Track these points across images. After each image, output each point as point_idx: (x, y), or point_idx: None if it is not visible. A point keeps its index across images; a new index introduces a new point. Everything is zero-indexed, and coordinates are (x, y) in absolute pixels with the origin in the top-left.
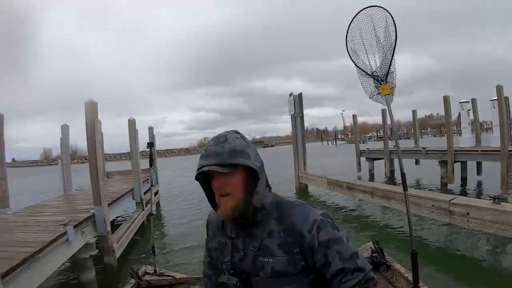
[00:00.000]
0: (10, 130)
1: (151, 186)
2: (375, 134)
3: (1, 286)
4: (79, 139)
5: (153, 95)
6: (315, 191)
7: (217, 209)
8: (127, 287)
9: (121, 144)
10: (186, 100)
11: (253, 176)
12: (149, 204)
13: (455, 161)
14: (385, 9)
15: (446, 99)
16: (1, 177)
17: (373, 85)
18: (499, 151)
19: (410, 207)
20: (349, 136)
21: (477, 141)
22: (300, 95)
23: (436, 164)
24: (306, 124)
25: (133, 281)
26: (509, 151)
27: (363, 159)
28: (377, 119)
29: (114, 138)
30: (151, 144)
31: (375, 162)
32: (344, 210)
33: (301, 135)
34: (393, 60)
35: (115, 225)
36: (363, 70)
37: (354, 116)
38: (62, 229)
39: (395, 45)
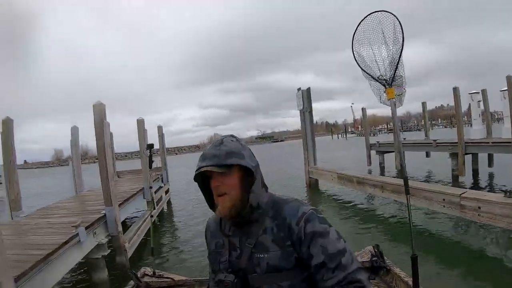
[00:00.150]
0: (21, 132)
1: (162, 184)
2: (386, 127)
3: None
4: (90, 139)
5: (164, 93)
6: (326, 186)
7: (215, 209)
8: None
9: (133, 142)
10: (196, 97)
11: (249, 176)
12: (160, 202)
13: (466, 153)
14: (393, 14)
15: (456, 91)
16: (13, 180)
17: (383, 89)
18: (510, 142)
19: (421, 201)
20: (359, 129)
21: (488, 132)
22: (309, 89)
23: (447, 157)
24: (316, 118)
25: (132, 282)
26: None
27: (373, 152)
28: (387, 111)
29: (125, 136)
30: (150, 146)
31: (385, 155)
32: (355, 204)
33: (310, 129)
34: (400, 64)
35: (127, 225)
36: (368, 74)
37: (363, 109)
38: (74, 231)
39: (401, 49)
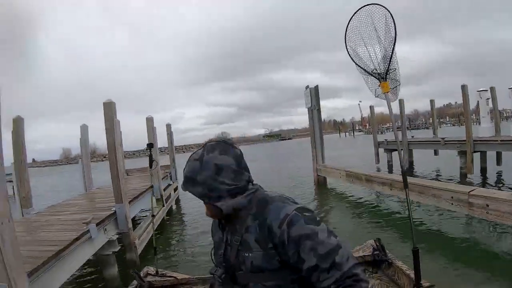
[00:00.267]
0: (30, 131)
1: (171, 182)
2: None
3: (28, 284)
4: (98, 138)
5: (170, 91)
6: (334, 184)
7: None
8: None
9: (140, 141)
10: (203, 95)
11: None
12: (169, 200)
13: (474, 151)
14: (384, 6)
15: (464, 88)
16: (24, 179)
17: (377, 83)
18: None
19: (429, 199)
20: (367, 127)
21: (496, 130)
22: (316, 87)
23: (455, 155)
24: (323, 116)
25: (135, 282)
26: None
27: (381, 150)
28: (395, 109)
29: (133, 135)
30: (150, 145)
31: (393, 153)
32: (363, 201)
33: (319, 127)
34: (394, 57)
35: (136, 222)
36: (362, 68)
37: (371, 107)
38: (85, 227)
39: (394, 42)
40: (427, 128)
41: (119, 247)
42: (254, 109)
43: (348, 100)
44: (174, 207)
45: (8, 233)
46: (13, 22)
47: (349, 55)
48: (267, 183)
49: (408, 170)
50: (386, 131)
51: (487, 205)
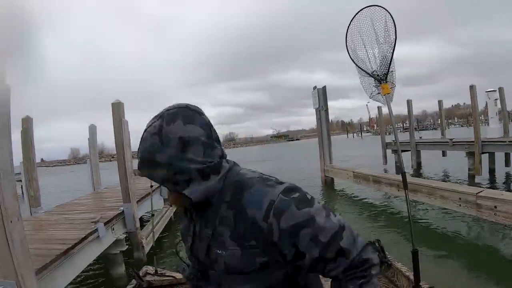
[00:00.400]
0: (38, 131)
1: None
2: (401, 125)
3: (36, 282)
4: (105, 138)
5: (178, 91)
6: (341, 184)
7: None
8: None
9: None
10: (211, 95)
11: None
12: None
13: (483, 153)
14: (384, 8)
15: (472, 89)
16: (32, 178)
17: (373, 84)
18: None
19: (437, 201)
20: (375, 128)
21: (505, 131)
22: (324, 88)
23: (464, 156)
24: (331, 117)
25: (134, 281)
26: None
27: (389, 151)
28: (403, 110)
29: (139, 134)
30: None
31: (401, 154)
32: (370, 202)
33: (326, 128)
34: (393, 60)
35: (144, 221)
36: (363, 70)
37: (379, 108)
38: (93, 226)
39: (394, 44)
40: (435, 129)
41: (127, 246)
42: (261, 110)
43: (356, 101)
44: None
45: (17, 231)
46: (23, 22)
47: (350, 56)
48: None
49: (416, 171)
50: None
51: (495, 207)
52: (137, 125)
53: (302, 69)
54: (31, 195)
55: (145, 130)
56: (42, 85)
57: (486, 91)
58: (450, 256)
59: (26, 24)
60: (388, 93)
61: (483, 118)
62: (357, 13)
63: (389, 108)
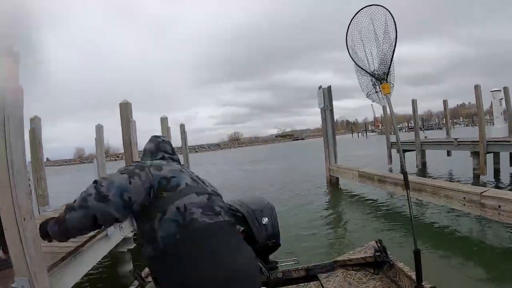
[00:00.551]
0: (45, 131)
1: None
2: (406, 125)
3: (48, 279)
4: (110, 137)
5: (182, 91)
6: (346, 184)
7: None
8: None
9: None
10: (216, 95)
11: None
12: None
13: (488, 152)
14: (385, 7)
15: (477, 88)
16: (41, 177)
17: (371, 83)
18: None
19: (442, 200)
20: (380, 128)
21: (510, 131)
22: (329, 88)
23: (468, 155)
24: (336, 116)
25: (136, 282)
26: None
27: (393, 151)
28: (408, 110)
29: (147, 135)
30: None
31: (406, 154)
32: (374, 202)
33: (331, 128)
34: (393, 60)
35: None
36: (363, 69)
37: (384, 108)
38: None
39: (395, 44)
40: (440, 128)
41: (135, 244)
42: (266, 109)
43: (361, 101)
44: None
45: (30, 229)
46: (26, 20)
47: (350, 55)
48: (281, 183)
49: (421, 171)
50: (399, 131)
51: (499, 206)
52: (142, 125)
53: (306, 69)
54: (40, 194)
55: None
56: (44, 85)
57: (491, 91)
58: (453, 255)
59: (30, 23)
60: (388, 93)
61: (488, 118)
62: (357, 13)
63: (390, 108)
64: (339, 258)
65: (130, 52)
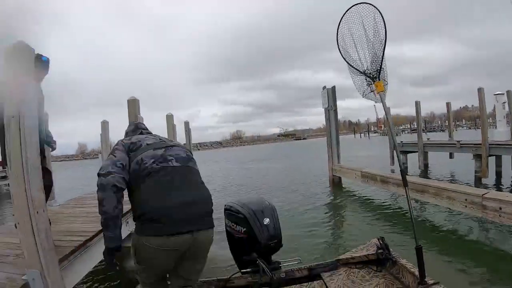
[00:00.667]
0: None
1: None
2: (409, 126)
3: (59, 271)
4: (112, 134)
5: (186, 90)
6: (349, 184)
7: None
8: None
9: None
10: (219, 94)
11: None
12: None
13: (490, 155)
14: (373, 5)
15: (480, 91)
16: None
17: (365, 83)
18: None
19: (444, 201)
20: (382, 129)
21: None
22: (333, 88)
23: (471, 158)
24: (338, 116)
25: (139, 286)
26: None
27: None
28: (410, 111)
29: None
30: None
31: (408, 155)
32: (377, 202)
33: (335, 128)
34: (384, 57)
35: None
36: (355, 68)
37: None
38: None
39: (385, 42)
40: (443, 130)
41: None
42: (269, 108)
43: (363, 101)
44: None
45: (42, 222)
46: (36, 20)
47: (341, 54)
48: (284, 182)
49: (424, 172)
50: (401, 133)
51: (500, 208)
52: (148, 123)
53: (307, 69)
54: None
55: None
56: (47, 82)
57: (495, 94)
58: (455, 254)
59: (34, 22)
60: (382, 91)
61: (491, 121)
62: (346, 11)
63: (384, 106)
64: (341, 257)
65: (130, 52)
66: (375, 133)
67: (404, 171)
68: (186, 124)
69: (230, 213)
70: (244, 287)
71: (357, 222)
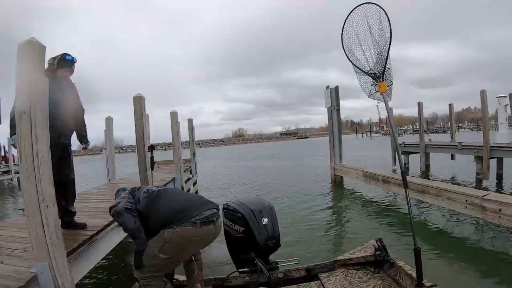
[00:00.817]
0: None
1: (191, 175)
2: (411, 127)
3: (67, 264)
4: (117, 130)
5: (188, 86)
6: (350, 183)
7: None
8: None
9: (153, 134)
10: (222, 91)
11: None
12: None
13: (491, 157)
14: (379, 5)
15: (483, 94)
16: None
17: (371, 83)
18: None
19: (444, 202)
20: (384, 129)
21: None
22: (337, 88)
23: (472, 160)
24: (341, 116)
25: (137, 284)
26: None
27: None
28: (413, 112)
29: (153, 128)
30: (152, 147)
31: (410, 156)
32: (378, 202)
33: (338, 127)
34: (389, 57)
35: None
36: (359, 69)
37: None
38: None
39: (390, 42)
40: (445, 132)
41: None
42: (271, 107)
43: (365, 101)
44: None
45: (52, 215)
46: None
47: (346, 55)
48: (286, 180)
49: (425, 173)
50: (403, 133)
51: (500, 210)
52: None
53: (313, 68)
54: None
55: None
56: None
57: (497, 97)
58: (454, 256)
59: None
60: (385, 91)
61: (493, 123)
62: (351, 11)
63: (386, 106)
64: (339, 258)
65: (132, 47)
66: (377, 133)
67: (404, 173)
68: (190, 121)
69: (228, 212)
70: (242, 287)
71: (356, 223)
